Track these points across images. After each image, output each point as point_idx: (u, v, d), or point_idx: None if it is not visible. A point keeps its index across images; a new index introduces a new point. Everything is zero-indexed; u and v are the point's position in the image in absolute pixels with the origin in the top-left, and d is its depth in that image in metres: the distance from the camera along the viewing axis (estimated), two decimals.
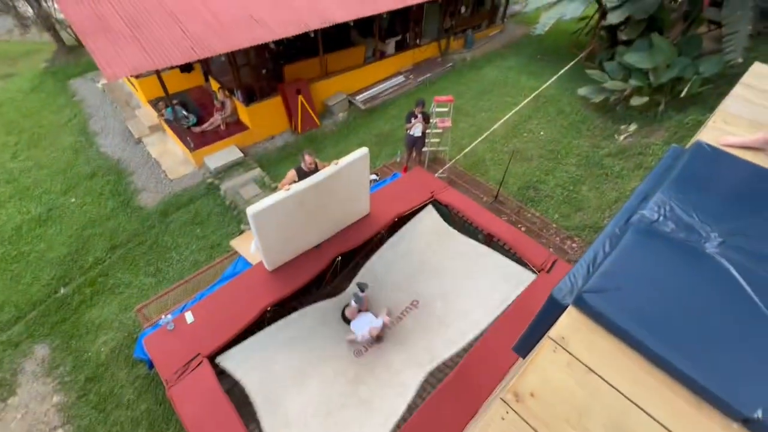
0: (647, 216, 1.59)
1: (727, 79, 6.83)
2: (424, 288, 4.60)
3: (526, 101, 8.10)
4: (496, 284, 4.43)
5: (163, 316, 3.65)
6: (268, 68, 8.42)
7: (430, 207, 5.13)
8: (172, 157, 7.60)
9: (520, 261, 4.55)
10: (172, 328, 3.58)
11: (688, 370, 1.12)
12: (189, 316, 3.66)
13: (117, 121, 8.65)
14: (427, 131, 6.32)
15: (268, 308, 3.90)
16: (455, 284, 4.57)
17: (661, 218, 1.57)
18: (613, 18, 7.83)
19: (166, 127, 8.02)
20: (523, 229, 5.83)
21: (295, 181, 4.24)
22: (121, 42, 5.76)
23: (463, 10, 10.71)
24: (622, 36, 8.35)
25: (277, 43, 7.25)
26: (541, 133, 7.80)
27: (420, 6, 9.07)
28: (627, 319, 1.24)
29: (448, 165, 6.87)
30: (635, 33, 7.86)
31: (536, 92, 8.26)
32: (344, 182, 4.04)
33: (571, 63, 8.92)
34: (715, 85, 6.88)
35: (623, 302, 1.29)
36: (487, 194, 6.49)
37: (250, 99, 7.62)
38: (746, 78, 2.69)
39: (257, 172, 7.15)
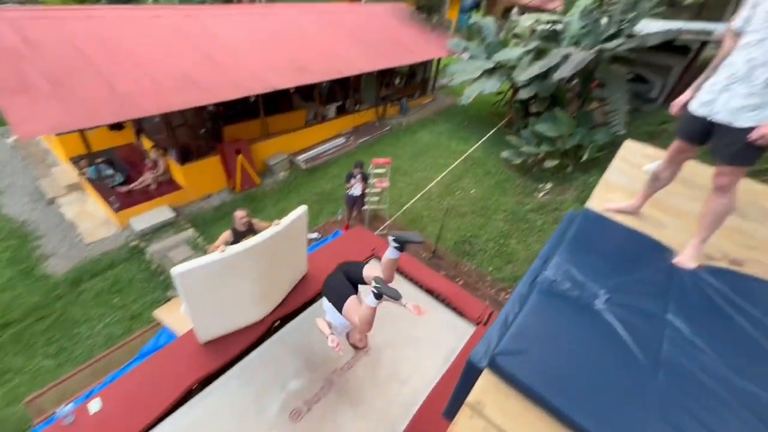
0: (548, 277, 1.78)
1: (617, 147, 8.15)
2: (373, 336, 4.48)
3: (456, 163, 8.86)
4: (441, 336, 4.47)
5: (60, 407, 3.12)
6: (207, 128, 8.39)
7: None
8: (91, 218, 6.97)
9: (460, 314, 4.69)
10: (71, 422, 3.05)
11: (589, 426, 1.22)
12: (94, 405, 3.16)
13: (27, 179, 7.86)
14: (366, 191, 6.58)
15: (194, 385, 3.52)
16: (402, 334, 4.54)
17: (560, 278, 1.78)
18: (523, 94, 9.13)
19: (87, 186, 7.44)
20: (461, 282, 6.07)
21: (229, 243, 4.08)
22: (41, 100, 5.45)
23: (397, 81, 11.82)
24: (533, 109, 9.71)
25: (217, 104, 7.33)
26: (472, 191, 8.47)
27: (357, 76, 9.86)
28: (535, 379, 1.34)
29: (388, 222, 7.11)
30: (542, 107, 9.20)
31: (465, 155, 9.11)
32: (285, 243, 3.92)
33: (493, 130, 10.08)
34: (609, 151, 8.13)
35: (531, 363, 1.40)
36: (426, 250, 6.74)
37: (185, 158, 7.43)
38: (621, 152, 3.27)
39: (190, 233, 6.78)
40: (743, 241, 2.28)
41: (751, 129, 1.73)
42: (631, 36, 8.17)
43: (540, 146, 8.59)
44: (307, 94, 9.82)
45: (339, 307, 2.79)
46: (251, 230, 4.15)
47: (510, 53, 9.57)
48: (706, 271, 1.94)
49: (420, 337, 4.49)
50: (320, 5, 11.18)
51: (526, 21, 11.22)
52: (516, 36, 11.01)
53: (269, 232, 3.65)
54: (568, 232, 2.10)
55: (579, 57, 7.64)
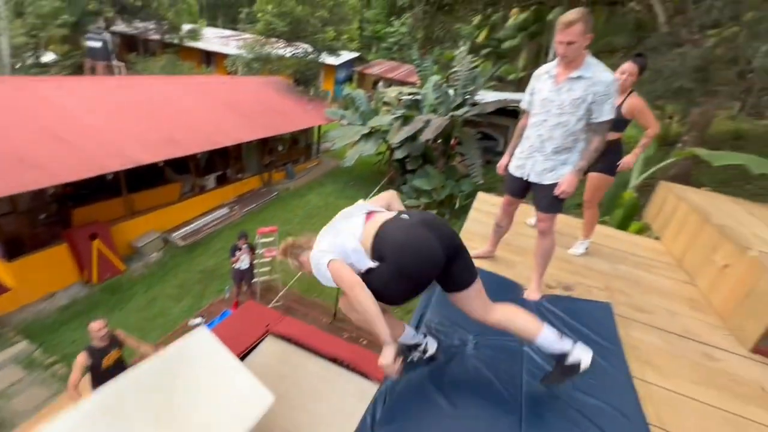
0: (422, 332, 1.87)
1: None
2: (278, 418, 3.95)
3: None
4: (346, 402, 4.23)
5: None
6: (50, 212, 7.05)
7: (268, 339, 4.79)
8: None
9: (365, 376, 4.55)
10: None
11: None
12: None
13: None
14: (255, 262, 6.21)
15: None
16: (305, 403, 4.13)
17: (433, 330, 1.88)
18: (398, 154, 10.12)
19: None
20: (364, 342, 5.97)
21: (87, 368, 3.27)
22: None
23: (280, 147, 11.98)
24: (409, 166, 10.78)
25: (65, 184, 6.29)
26: None
27: (238, 145, 9.68)
28: None
29: (282, 292, 6.74)
30: (416, 164, 10.29)
31: None
32: (190, 375, 2.93)
33: (377, 187, 10.78)
34: (474, 199, 9.39)
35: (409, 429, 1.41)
36: (326, 314, 6.53)
37: (15, 252, 6.02)
38: (475, 203, 3.78)
39: (21, 347, 5.33)
40: (569, 269, 2.78)
41: (554, 185, 2.19)
42: (474, 104, 9.95)
43: (420, 198, 9.46)
44: (181, 166, 9.17)
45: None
46: (115, 343, 3.43)
47: (382, 119, 10.66)
48: (546, 300, 2.29)
49: (323, 406, 4.18)
50: (192, 77, 10.97)
51: (391, 92, 12.80)
52: (386, 104, 12.41)
53: (149, 363, 2.71)
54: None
55: (437, 122, 8.92)
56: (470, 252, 2.69)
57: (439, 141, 11.05)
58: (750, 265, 2.36)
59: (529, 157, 2.24)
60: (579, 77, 2.00)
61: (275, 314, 5.18)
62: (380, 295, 1.39)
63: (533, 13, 15.69)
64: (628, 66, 2.72)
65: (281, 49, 14.80)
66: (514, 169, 2.34)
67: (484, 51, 19.30)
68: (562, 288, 2.53)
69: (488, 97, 10.84)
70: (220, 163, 10.16)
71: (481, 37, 16.40)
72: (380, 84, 17.99)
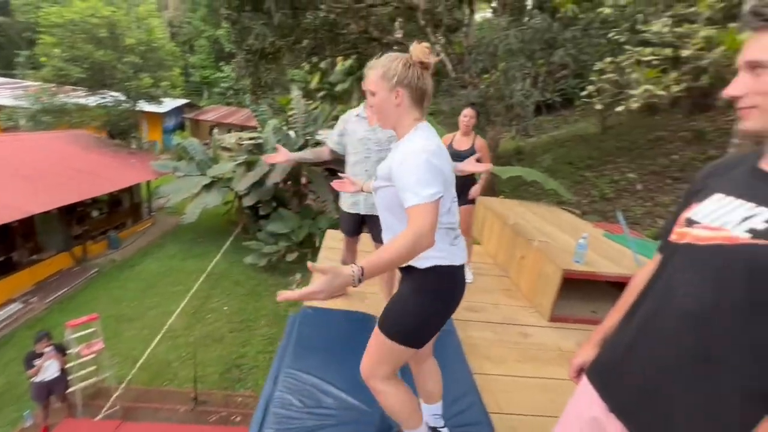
0: (279, 399, 1.73)
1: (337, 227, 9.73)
2: None
3: (198, 284, 8.03)
4: None
5: None
6: None
7: None
8: None
9: None
10: None
11: None
12: None
13: None
14: (69, 366, 4.81)
15: None
16: None
17: (292, 397, 1.75)
18: (248, 201, 9.60)
19: None
20: (238, 419, 5.23)
21: None
22: None
23: (95, 213, 9.88)
24: (262, 212, 10.32)
25: None
26: (225, 308, 7.82)
27: (23, 220, 7.55)
28: None
29: (119, 392, 5.37)
30: (269, 209, 9.93)
31: (206, 273, 8.43)
32: None
33: (230, 239, 9.94)
34: None
35: None
36: (184, 402, 5.48)
37: None
38: (325, 242, 3.83)
39: None
40: None
41: None
42: (317, 143, 10.31)
43: (278, 243, 9.10)
44: None
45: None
46: None
47: (223, 167, 9.99)
48: None
49: None
50: None
51: (231, 138, 12.22)
52: (226, 150, 11.72)
53: None
54: (291, 337, 2.17)
55: (283, 164, 8.87)
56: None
57: (289, 182, 10.99)
58: (535, 253, 3.03)
59: (358, 193, 2.39)
60: None
61: (109, 425, 4.07)
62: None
63: (357, 60, 17.60)
64: (469, 111, 3.25)
65: (82, 99, 12.51)
66: (349, 207, 2.46)
67: (321, 93, 20.52)
68: None
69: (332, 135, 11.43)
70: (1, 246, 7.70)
71: (314, 81, 17.39)
72: (216, 130, 16.97)
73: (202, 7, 25.96)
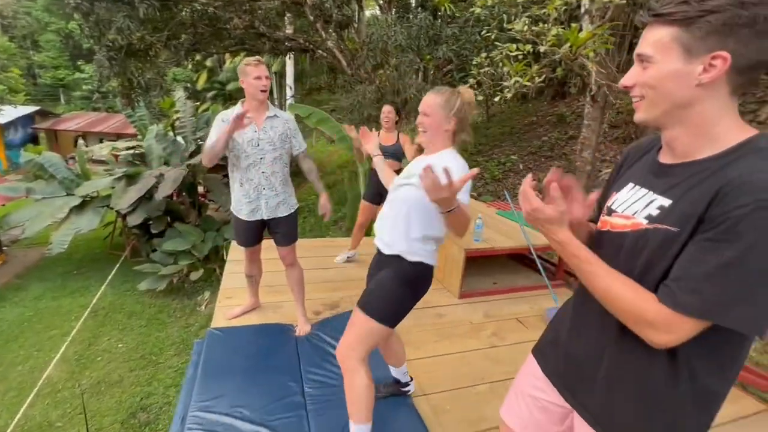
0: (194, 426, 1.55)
1: None
2: None
3: (80, 323, 6.81)
4: None
5: None
6: None
7: None
8: None
9: None
10: None
11: None
12: None
13: None
14: None
15: None
16: None
17: (205, 420, 1.59)
18: (133, 220, 8.40)
19: None
20: None
21: None
22: None
23: None
24: (153, 230, 9.13)
25: None
26: (120, 346, 6.78)
27: None
28: None
29: None
30: (162, 225, 8.83)
31: (89, 309, 7.19)
32: None
33: (117, 265, 8.63)
34: None
35: None
36: None
37: None
38: (230, 255, 3.56)
39: None
40: (332, 287, 3.02)
41: (290, 216, 2.31)
42: None
43: (179, 262, 8.18)
44: None
45: None
46: None
47: (97, 184, 8.59)
48: (316, 328, 2.38)
49: None
50: None
51: (104, 149, 10.52)
52: (99, 163, 10.07)
53: None
54: (197, 366, 1.96)
55: (173, 174, 7.96)
56: (232, 313, 2.50)
57: (183, 194, 9.93)
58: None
59: (259, 197, 2.25)
60: (275, 116, 2.23)
61: None
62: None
63: (246, 57, 16.54)
64: (388, 108, 3.27)
65: None
66: (248, 215, 2.30)
67: (211, 94, 18.82)
68: (329, 308, 2.70)
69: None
70: None
71: (201, 81, 15.89)
72: (82, 141, 14.43)
73: None
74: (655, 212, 0.76)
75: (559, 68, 4.70)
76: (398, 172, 3.54)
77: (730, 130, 0.71)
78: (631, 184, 0.87)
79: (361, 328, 1.47)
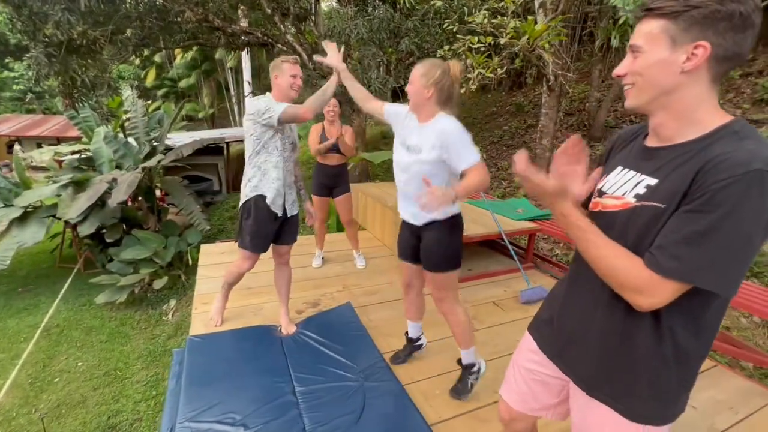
0: None
1: (213, 239, 8.77)
2: None
3: (31, 345, 6.30)
4: None
5: None
6: None
7: None
8: None
9: None
10: None
11: None
12: None
13: None
14: None
15: None
16: None
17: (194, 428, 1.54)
18: (84, 230, 7.83)
19: None
20: None
21: None
22: None
23: None
24: (108, 238, 8.56)
25: None
26: (80, 364, 6.35)
27: None
28: None
29: None
30: (118, 234, 8.30)
31: (41, 328, 6.66)
32: None
33: (69, 279, 8.03)
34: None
35: None
36: None
37: None
38: (201, 259, 3.43)
39: None
40: (312, 285, 3.00)
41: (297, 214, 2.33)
42: (168, 149, 8.98)
43: (140, 271, 7.74)
44: None
45: None
46: None
47: (40, 192, 7.92)
48: (301, 326, 2.36)
49: None
50: None
51: (44, 154, 9.67)
52: (40, 170, 9.25)
53: None
54: (180, 377, 1.90)
55: (127, 179, 7.49)
56: (213, 318, 2.41)
57: (139, 199, 9.39)
58: None
59: (289, 193, 2.28)
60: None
61: None
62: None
63: (200, 52, 15.72)
64: (332, 102, 3.19)
65: None
66: (280, 208, 2.19)
67: (161, 91, 17.76)
68: (311, 306, 2.68)
69: (183, 138, 10.09)
70: None
71: (149, 78, 14.97)
72: (18, 147, 13.17)
73: None
74: (642, 191, 0.84)
75: (518, 59, 4.89)
76: (344, 167, 3.53)
77: (710, 115, 0.79)
78: (620, 168, 0.94)
79: (442, 282, 1.79)
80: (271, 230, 2.15)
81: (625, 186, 0.89)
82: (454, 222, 1.77)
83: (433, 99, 1.61)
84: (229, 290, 2.37)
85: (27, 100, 19.24)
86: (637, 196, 0.85)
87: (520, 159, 0.89)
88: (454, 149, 1.57)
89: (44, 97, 18.61)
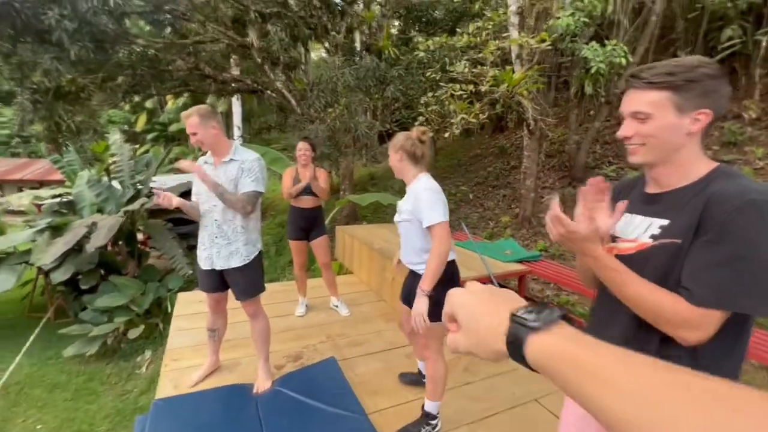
0: None
1: (193, 285, 8.44)
2: None
3: None
4: None
5: None
6: None
7: None
8: None
9: None
10: None
11: None
12: None
13: None
14: None
15: None
16: None
17: None
18: (58, 276, 7.47)
19: None
20: None
21: None
22: None
23: None
24: (83, 285, 8.16)
25: None
26: (39, 426, 5.77)
27: None
28: None
29: None
30: (94, 280, 7.94)
31: (1, 384, 6.11)
32: None
33: (37, 330, 7.53)
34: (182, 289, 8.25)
35: None
36: None
37: None
38: (177, 309, 3.23)
39: None
40: (293, 335, 2.82)
41: (246, 266, 2.13)
42: (150, 194, 8.86)
43: (114, 320, 7.32)
44: None
45: None
46: None
47: (14, 238, 7.63)
48: (278, 383, 2.18)
49: None
50: None
51: (23, 198, 9.44)
52: (18, 213, 8.98)
53: None
54: None
55: (108, 223, 7.29)
56: (191, 378, 2.21)
57: (120, 243, 9.11)
58: (402, 272, 3.20)
59: (212, 245, 2.09)
60: (230, 160, 2.10)
61: None
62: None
63: (191, 98, 16.09)
64: (302, 144, 3.17)
65: None
66: (203, 262, 2.13)
67: (151, 135, 17.93)
68: (291, 360, 2.50)
69: (169, 182, 10.01)
70: None
71: (140, 123, 15.15)
72: None
73: None
74: (657, 231, 0.92)
75: (499, 105, 5.09)
76: (317, 211, 3.46)
77: (701, 164, 0.93)
78: (626, 215, 1.01)
79: (432, 332, 1.82)
80: (209, 278, 2.16)
81: (636, 230, 0.97)
82: (446, 274, 1.82)
83: (405, 161, 1.87)
84: (211, 339, 2.25)
85: (12, 144, 19.14)
86: (653, 237, 0.92)
87: (554, 205, 0.93)
88: (418, 208, 1.78)
89: (30, 142, 18.56)
